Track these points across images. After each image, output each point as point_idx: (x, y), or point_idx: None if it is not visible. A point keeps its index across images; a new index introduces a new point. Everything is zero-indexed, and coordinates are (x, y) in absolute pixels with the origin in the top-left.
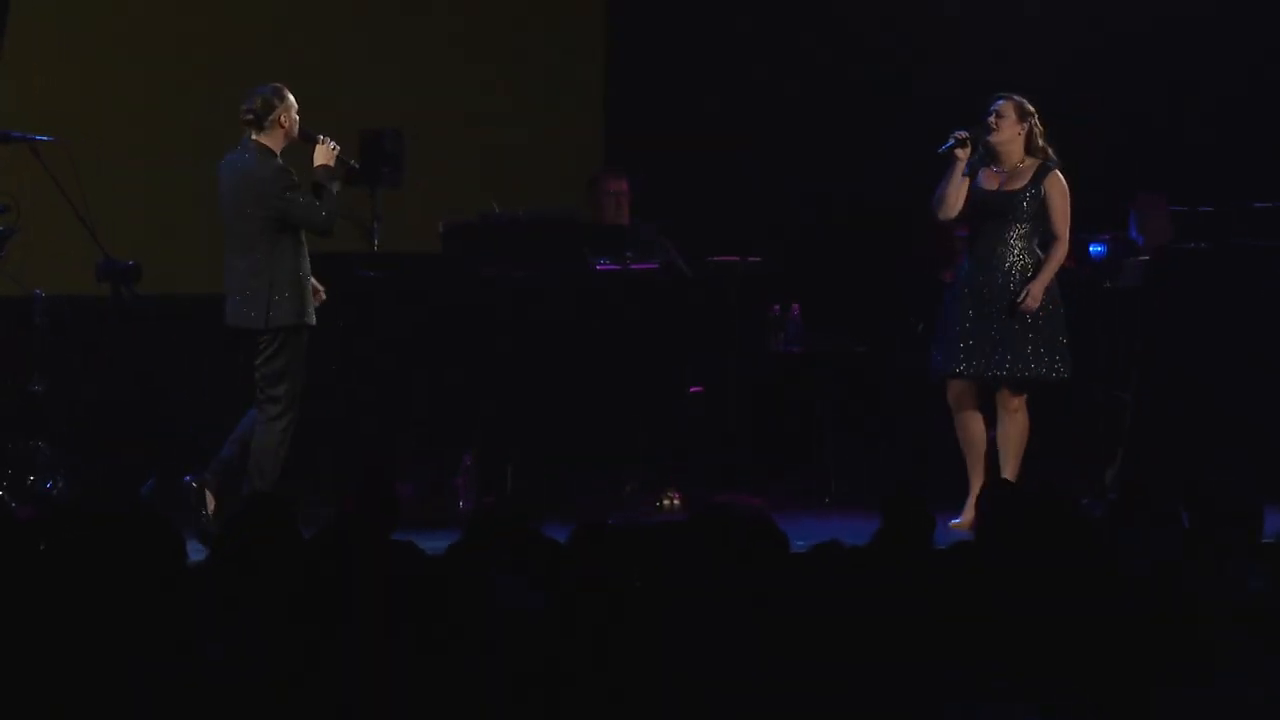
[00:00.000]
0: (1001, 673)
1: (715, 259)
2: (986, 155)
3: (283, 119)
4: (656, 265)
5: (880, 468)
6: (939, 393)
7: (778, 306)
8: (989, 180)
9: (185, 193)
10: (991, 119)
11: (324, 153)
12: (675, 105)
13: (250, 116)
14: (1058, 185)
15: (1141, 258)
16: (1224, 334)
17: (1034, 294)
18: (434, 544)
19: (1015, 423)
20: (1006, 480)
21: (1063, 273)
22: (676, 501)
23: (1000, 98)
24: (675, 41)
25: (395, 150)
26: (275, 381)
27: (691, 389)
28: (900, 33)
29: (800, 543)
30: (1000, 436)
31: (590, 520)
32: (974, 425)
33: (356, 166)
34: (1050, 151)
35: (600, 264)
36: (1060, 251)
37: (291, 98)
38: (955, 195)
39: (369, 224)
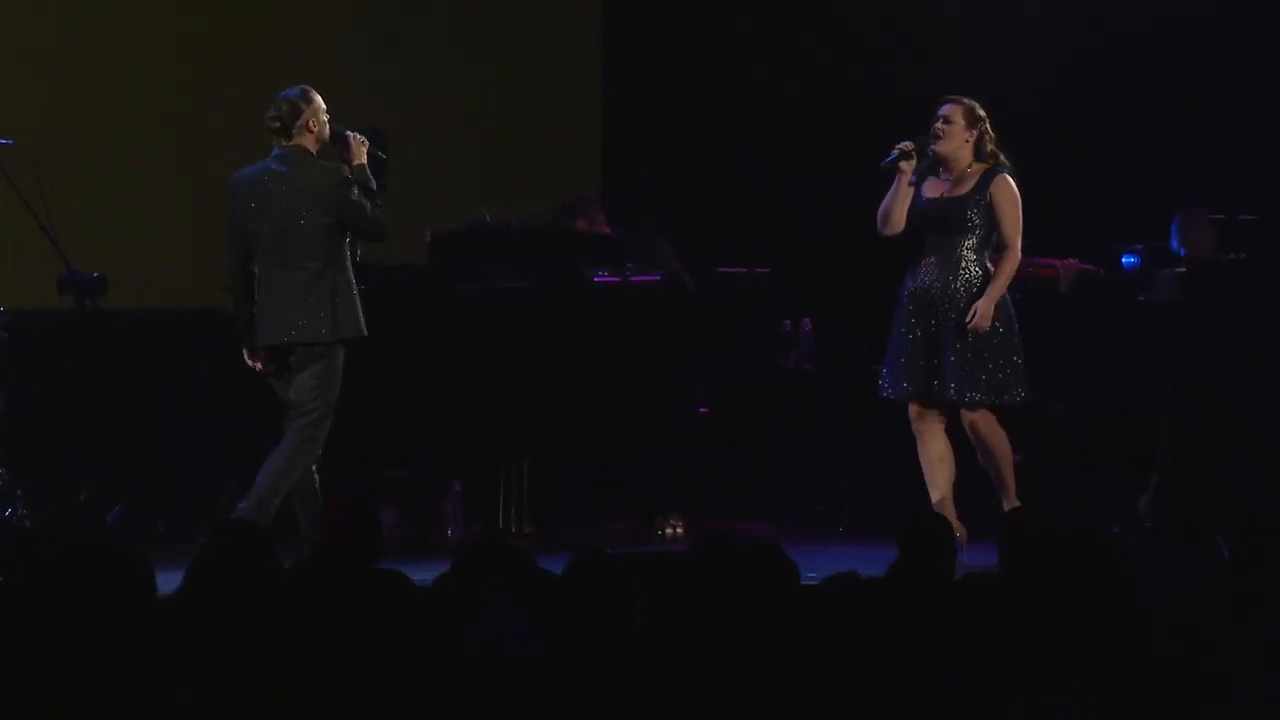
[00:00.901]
0: (1027, 715)
1: (721, 270)
2: (934, 163)
3: (311, 123)
4: (658, 277)
5: (898, 494)
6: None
7: (788, 321)
8: (934, 188)
9: (157, 203)
10: (939, 126)
11: (359, 150)
12: (674, 105)
13: (277, 124)
14: (1006, 190)
15: (1178, 269)
16: (1266, 350)
17: (983, 312)
18: (421, 575)
19: (986, 445)
20: (1030, 506)
21: (1088, 281)
22: (679, 529)
23: (949, 101)
24: (673, 41)
25: (379, 150)
26: (311, 399)
27: (697, 410)
28: (900, 32)
29: (812, 574)
30: (981, 459)
31: (587, 549)
32: (934, 444)
33: (384, 157)
34: (1001, 156)
35: (597, 275)
36: (1011, 263)
37: (319, 99)
38: (900, 210)
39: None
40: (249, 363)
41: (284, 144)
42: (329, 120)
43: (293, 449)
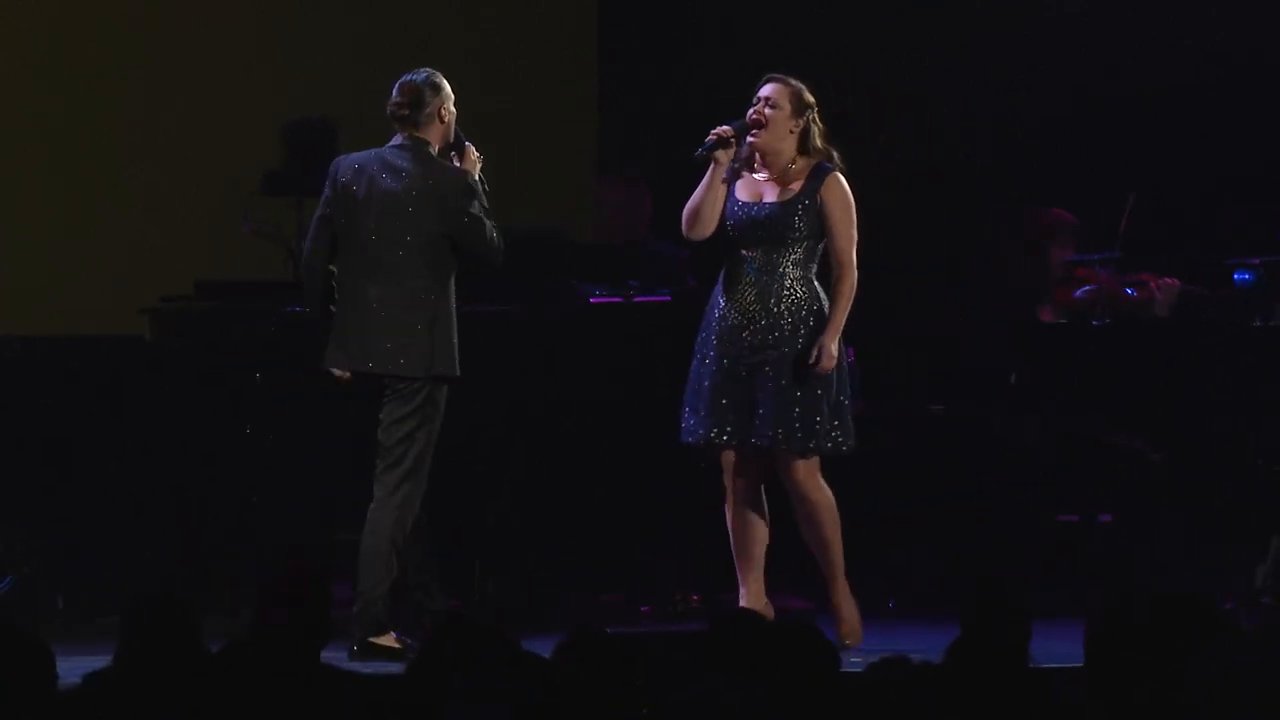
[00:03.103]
0: None
1: None
2: (747, 158)
3: (442, 112)
4: (669, 297)
5: (959, 562)
6: (1035, 464)
7: None
8: (749, 189)
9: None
10: (760, 110)
11: (474, 164)
12: (672, 107)
13: (405, 111)
14: (838, 193)
15: None
16: None
17: (829, 351)
18: (380, 663)
19: (811, 507)
20: (1119, 576)
21: (1193, 303)
22: (694, 603)
23: (771, 80)
24: (671, 41)
25: (326, 145)
26: (402, 442)
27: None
28: (901, 32)
29: (855, 659)
30: (801, 524)
31: (583, 628)
32: (749, 506)
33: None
34: (832, 152)
35: (595, 295)
36: (849, 284)
37: (448, 87)
38: (713, 210)
39: (292, 245)
40: (334, 373)
41: (411, 135)
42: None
43: (388, 517)
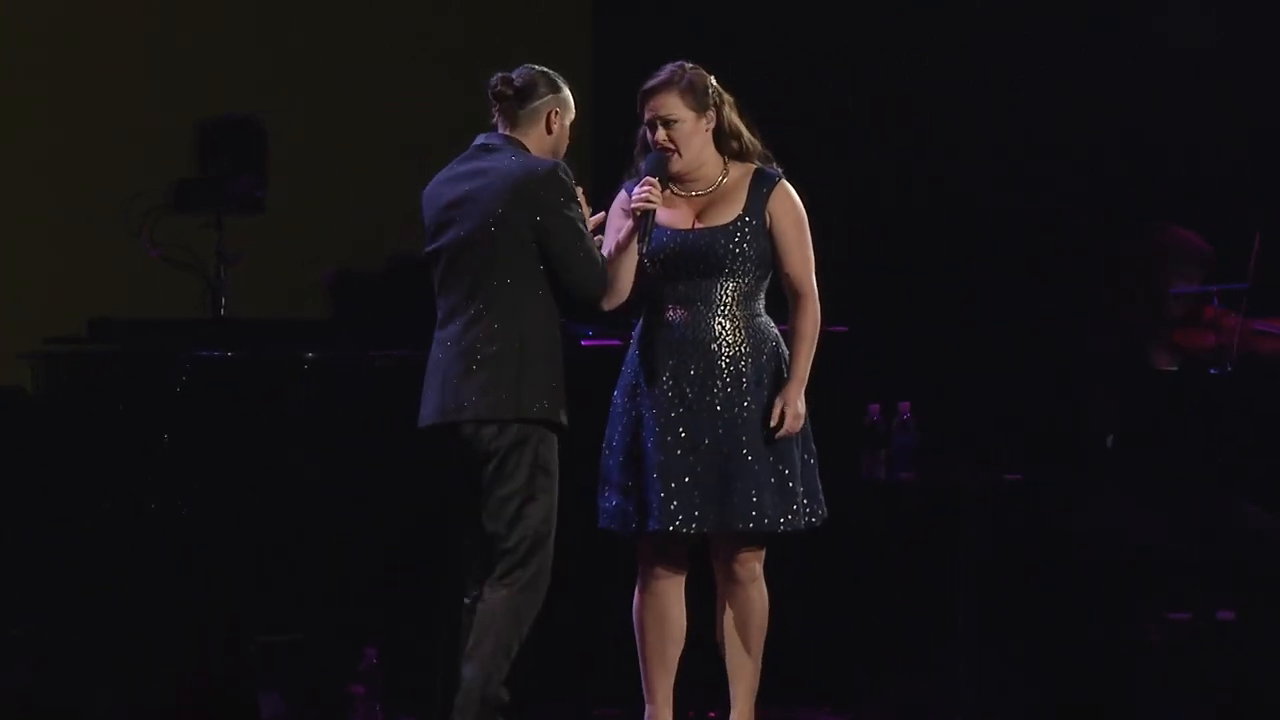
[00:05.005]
0: None
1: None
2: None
3: (552, 117)
4: None
5: (1045, 668)
6: (1139, 548)
7: (877, 407)
8: (677, 213)
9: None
10: (663, 135)
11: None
12: None
13: (510, 91)
14: (788, 205)
15: None
16: None
17: (795, 410)
18: None
19: (745, 599)
20: (1252, 693)
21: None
22: None
23: (654, 93)
24: (669, 43)
25: (252, 151)
26: (518, 515)
27: None
28: (901, 37)
29: None
30: (726, 626)
31: None
32: (671, 603)
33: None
34: (757, 141)
35: (585, 337)
36: (811, 319)
37: (570, 98)
38: (629, 273)
39: (211, 273)
40: None
41: (505, 133)
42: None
43: (487, 606)
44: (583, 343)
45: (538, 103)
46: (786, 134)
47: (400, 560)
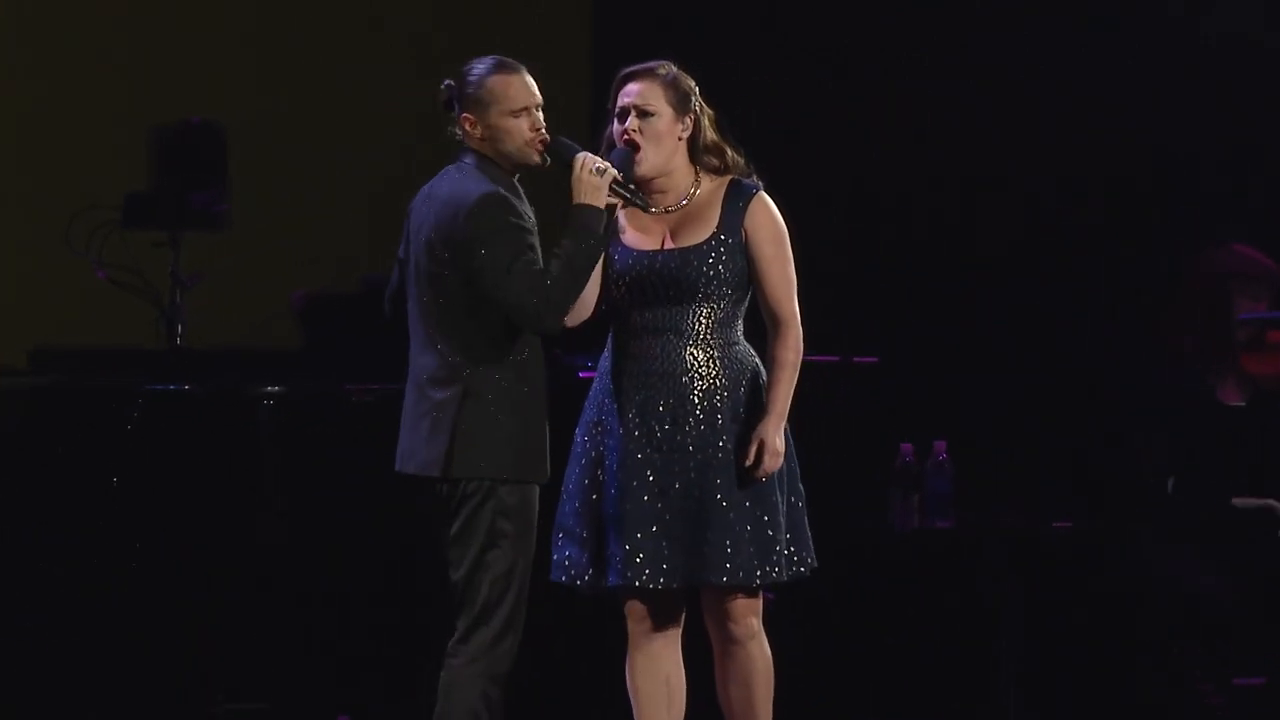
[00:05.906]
0: None
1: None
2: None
3: (470, 125)
4: None
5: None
6: (1205, 606)
7: (909, 447)
8: (643, 232)
9: None
10: (633, 124)
11: (589, 184)
12: None
13: (444, 108)
14: (765, 221)
15: None
16: None
17: (773, 448)
18: None
19: (743, 655)
20: None
21: None
22: None
23: (634, 78)
24: (668, 44)
25: (212, 161)
26: (478, 565)
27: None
28: (902, 37)
29: None
30: (729, 689)
31: None
32: (663, 661)
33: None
34: (741, 161)
35: (584, 368)
36: (793, 347)
37: (514, 81)
38: (594, 286)
39: (165, 298)
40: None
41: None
42: (532, 121)
43: (466, 683)
44: (580, 374)
45: (456, 111)
46: (786, 134)
47: (377, 619)
